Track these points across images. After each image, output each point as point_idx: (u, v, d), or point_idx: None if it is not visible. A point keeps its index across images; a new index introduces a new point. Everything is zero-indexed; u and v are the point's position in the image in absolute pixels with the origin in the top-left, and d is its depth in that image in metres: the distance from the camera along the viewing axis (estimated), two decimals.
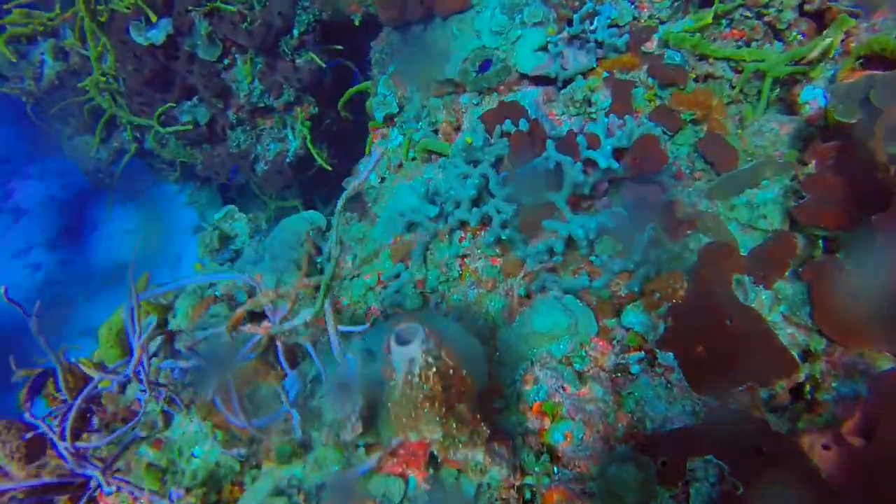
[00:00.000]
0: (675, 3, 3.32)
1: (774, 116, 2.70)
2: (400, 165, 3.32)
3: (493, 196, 2.20)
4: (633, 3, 3.37)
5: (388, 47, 3.57)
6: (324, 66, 4.78)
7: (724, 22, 3.19)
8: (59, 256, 8.11)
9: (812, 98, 2.71)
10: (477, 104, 2.85)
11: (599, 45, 2.91)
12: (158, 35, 4.52)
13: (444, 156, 2.85)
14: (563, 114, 2.64)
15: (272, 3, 4.56)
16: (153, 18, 4.45)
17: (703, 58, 3.05)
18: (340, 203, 1.32)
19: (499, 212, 2.16)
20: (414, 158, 3.13)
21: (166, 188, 5.77)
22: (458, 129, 2.90)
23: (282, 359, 1.61)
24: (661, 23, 3.32)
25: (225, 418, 1.56)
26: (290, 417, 1.54)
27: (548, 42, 2.85)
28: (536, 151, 2.17)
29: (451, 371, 1.23)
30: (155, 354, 1.73)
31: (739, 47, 3.06)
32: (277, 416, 1.56)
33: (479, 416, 1.37)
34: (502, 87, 2.84)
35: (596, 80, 2.70)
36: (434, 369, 1.20)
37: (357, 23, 5.12)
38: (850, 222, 1.76)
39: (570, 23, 2.87)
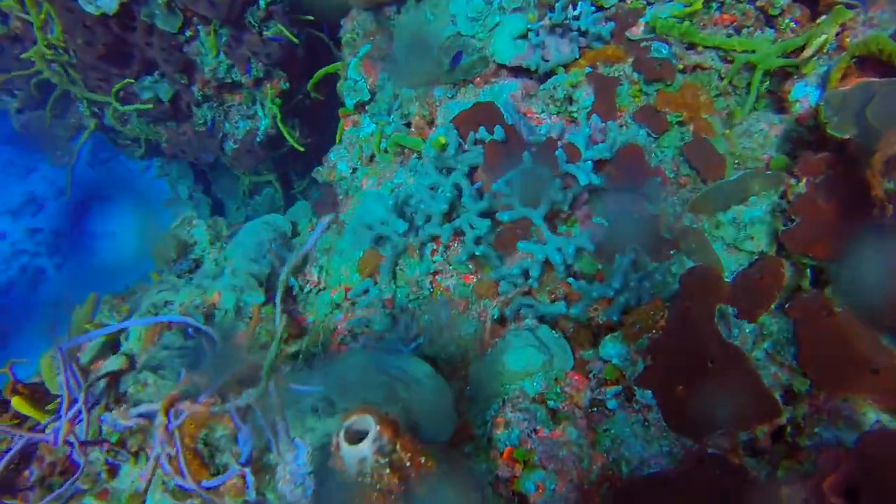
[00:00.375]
0: None
1: (763, 115, 2.54)
2: (372, 157, 3.12)
3: (467, 209, 2.05)
4: None
5: (358, 27, 3.31)
6: (294, 40, 4.48)
7: (714, 5, 2.99)
8: (26, 224, 7.81)
9: (803, 95, 2.55)
10: (452, 97, 2.64)
11: (583, 33, 2.70)
12: (111, 3, 4.17)
13: (417, 152, 2.67)
14: (543, 112, 2.45)
15: None
16: None
17: (691, 46, 2.86)
18: (283, 276, 1.16)
19: (472, 227, 2.01)
20: (386, 151, 2.93)
21: (132, 164, 5.49)
22: (431, 122, 2.70)
23: (234, 415, 1.49)
24: (649, 4, 3.11)
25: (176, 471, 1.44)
26: (244, 477, 1.43)
27: (528, 30, 2.64)
28: (512, 163, 2.01)
29: (407, 462, 1.12)
30: (97, 402, 1.59)
31: (730, 35, 2.87)
32: (229, 475, 1.44)
33: None
34: (479, 80, 2.64)
35: (578, 74, 2.51)
36: (387, 468, 1.09)
37: None
38: (839, 256, 1.65)
39: (551, 8, 2.65)
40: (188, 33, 4.46)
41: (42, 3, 4.15)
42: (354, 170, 3.21)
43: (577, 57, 2.64)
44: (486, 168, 2.11)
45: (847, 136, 1.84)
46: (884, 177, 1.45)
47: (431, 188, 2.14)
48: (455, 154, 2.17)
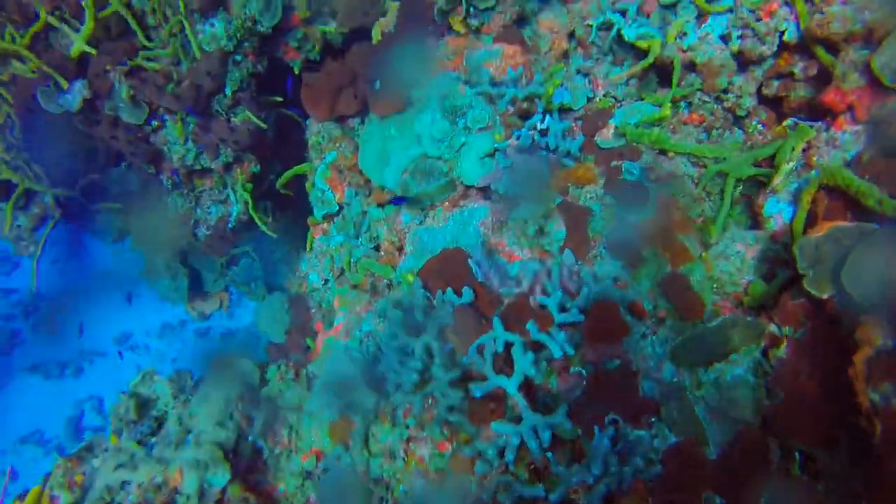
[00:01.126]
0: (630, 83, 3.04)
1: (739, 234, 2.46)
2: (342, 272, 3.00)
3: (438, 379, 1.93)
4: (586, 79, 3.08)
5: (324, 131, 3.21)
6: (262, 125, 4.36)
7: (682, 105, 2.93)
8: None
9: (776, 212, 2.48)
10: (420, 223, 2.54)
11: (552, 150, 2.62)
12: (73, 101, 4.04)
13: (388, 281, 2.55)
14: (515, 245, 2.35)
15: (200, 62, 4.11)
16: (64, 85, 3.96)
17: (663, 152, 2.79)
18: None
19: (444, 395, 1.90)
20: (356, 270, 2.81)
21: (103, 247, 5.30)
22: (400, 249, 2.59)
23: None
24: (617, 101, 3.04)
25: None
26: None
27: (495, 149, 2.55)
28: (482, 329, 1.90)
29: None
30: None
31: (700, 140, 2.80)
32: None
33: None
34: (447, 204, 2.54)
35: (549, 202, 2.41)
36: None
37: (297, 71, 4.71)
38: (828, 444, 1.55)
39: (518, 127, 2.56)
40: (154, 124, 4.34)
41: (0, 105, 4.00)
42: (326, 281, 3.08)
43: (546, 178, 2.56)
44: (456, 331, 2.00)
45: (825, 296, 1.76)
46: (868, 384, 1.36)
47: (401, 351, 2.03)
48: (423, 317, 2.06)
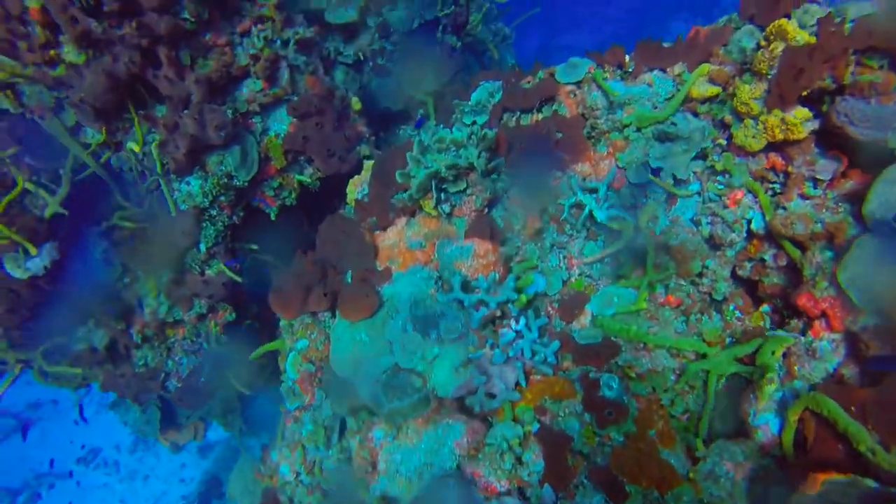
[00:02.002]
0: (604, 262, 2.98)
1: (727, 449, 2.33)
2: (314, 465, 2.79)
3: None
4: (561, 255, 3.01)
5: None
6: (237, 279, 4.24)
7: (658, 287, 2.86)
8: None
9: (763, 423, 2.36)
10: (392, 440, 2.37)
11: (529, 358, 2.50)
12: (40, 264, 3.89)
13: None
14: (492, 476, 2.18)
15: (175, 219, 4.02)
16: (32, 251, 3.82)
17: (642, 347, 2.69)
18: None
19: None
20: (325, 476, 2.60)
21: (65, 392, 5.00)
22: (373, 465, 2.40)
23: None
24: (593, 281, 2.97)
25: None
26: None
27: (469, 360, 2.42)
28: None
29: None
30: None
31: (679, 333, 2.71)
32: None
33: None
34: (420, 420, 2.38)
35: (527, 413, 2.27)
36: None
37: (273, 217, 4.65)
38: None
39: (491, 337, 2.45)
40: (127, 280, 4.19)
41: None
42: (297, 474, 2.86)
43: (524, 385, 2.42)
44: None
45: None
46: None
47: None
48: None
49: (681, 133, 2.78)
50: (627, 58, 3.33)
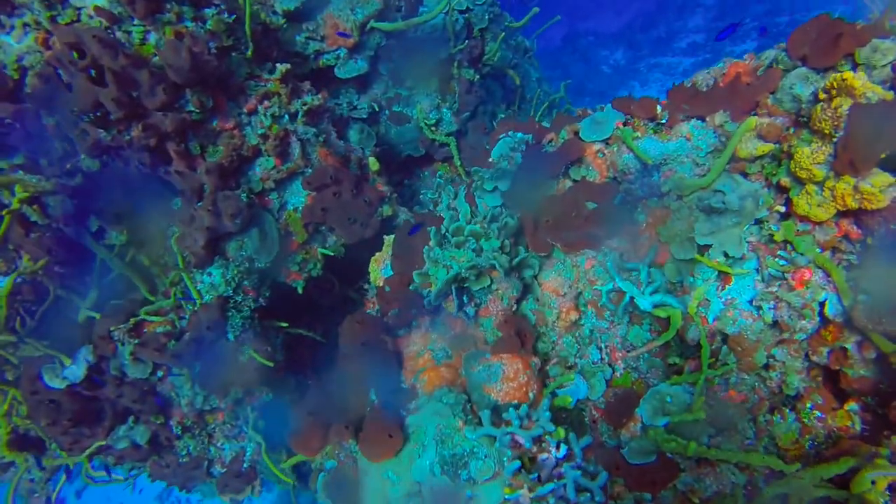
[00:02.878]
0: (651, 355, 2.60)
1: None
2: None
3: None
4: (602, 351, 2.66)
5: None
6: (269, 364, 4.06)
7: (717, 380, 2.47)
8: None
9: None
10: None
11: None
12: (77, 372, 3.82)
13: None
14: None
15: (199, 314, 3.88)
16: (66, 362, 3.76)
17: (702, 460, 2.31)
18: None
19: None
20: None
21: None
22: None
23: None
24: (642, 376, 2.60)
25: None
26: None
27: (505, 500, 2.12)
28: None
29: None
30: None
31: (748, 447, 2.31)
32: None
33: None
34: None
35: None
36: None
37: (300, 290, 4.46)
38: None
39: (532, 470, 2.14)
40: (160, 374, 4.09)
41: (7, 390, 3.80)
42: None
43: None
44: None
45: None
46: None
47: None
48: None
49: (729, 205, 2.37)
50: (659, 108, 2.93)
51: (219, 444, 4.30)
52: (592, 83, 15.45)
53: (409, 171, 5.62)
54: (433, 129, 5.20)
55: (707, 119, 2.79)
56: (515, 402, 2.22)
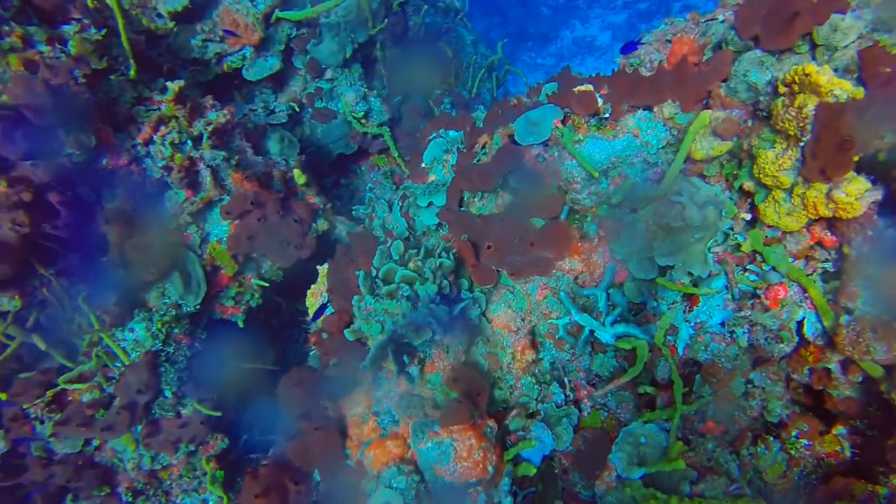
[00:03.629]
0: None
1: None
2: None
3: None
4: (566, 387, 2.37)
5: None
6: (216, 413, 3.69)
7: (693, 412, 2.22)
8: None
9: None
10: None
11: None
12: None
13: None
14: None
15: (126, 377, 3.45)
16: None
17: None
18: None
19: None
20: None
21: None
22: None
23: None
24: (612, 412, 2.34)
25: None
26: None
27: None
28: None
29: None
30: None
31: (732, 495, 2.08)
32: None
33: None
34: None
35: None
36: None
37: (241, 324, 4.05)
38: None
39: None
40: (95, 443, 3.68)
41: None
42: None
43: None
44: None
45: None
46: None
47: None
48: None
49: (690, 221, 2.05)
50: (601, 100, 2.55)
51: (178, 501, 3.95)
52: (533, 26, 14.79)
53: (344, 169, 5.14)
54: (363, 121, 4.70)
55: (655, 110, 2.43)
56: (474, 480, 1.93)
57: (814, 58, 1.98)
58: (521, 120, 2.69)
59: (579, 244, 2.41)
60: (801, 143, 1.81)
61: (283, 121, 4.43)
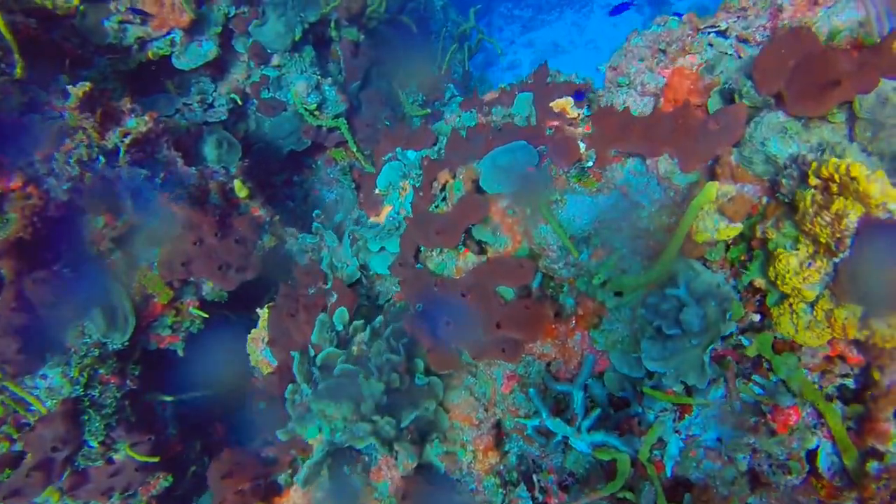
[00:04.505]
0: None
1: None
2: None
3: None
4: (535, 488, 2.04)
5: None
6: (155, 460, 3.31)
7: None
8: None
9: None
10: None
11: None
12: None
13: None
14: None
15: (38, 431, 3.02)
16: None
17: None
18: None
19: None
20: None
21: None
22: None
23: None
24: None
25: None
26: None
27: None
28: None
29: None
30: None
31: None
32: None
33: None
34: None
35: None
36: None
37: (181, 352, 3.61)
38: None
39: None
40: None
41: None
42: None
43: None
44: None
45: None
46: None
47: None
48: None
49: (687, 326, 1.66)
50: (583, 147, 2.10)
51: None
52: None
53: (298, 165, 4.56)
54: (316, 113, 4.12)
55: (648, 163, 1.99)
56: None
57: (850, 131, 1.55)
58: (486, 161, 2.22)
59: (554, 326, 2.01)
60: (836, 260, 1.40)
61: (223, 118, 3.82)
